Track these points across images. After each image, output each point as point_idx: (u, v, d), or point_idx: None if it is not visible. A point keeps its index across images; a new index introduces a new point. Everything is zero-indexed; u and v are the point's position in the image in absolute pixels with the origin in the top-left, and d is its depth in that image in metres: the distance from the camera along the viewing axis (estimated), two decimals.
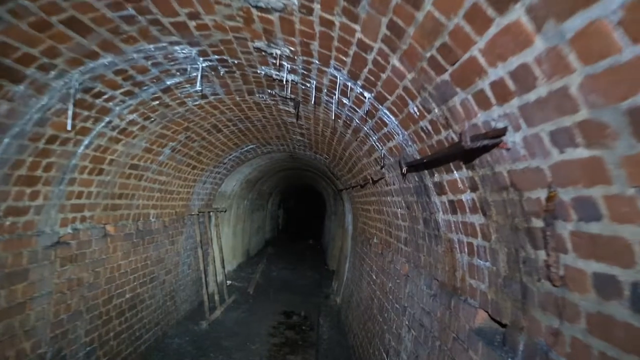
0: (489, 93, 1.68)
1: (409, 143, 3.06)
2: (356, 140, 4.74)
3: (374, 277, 6.05)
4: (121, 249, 5.35)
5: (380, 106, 3.11)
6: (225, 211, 10.65)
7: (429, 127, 2.54)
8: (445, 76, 1.95)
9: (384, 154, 3.98)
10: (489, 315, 2.31)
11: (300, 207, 30.81)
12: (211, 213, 9.60)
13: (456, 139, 2.27)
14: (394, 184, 4.23)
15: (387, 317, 4.79)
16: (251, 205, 14.96)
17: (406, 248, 4.29)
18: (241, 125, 6.48)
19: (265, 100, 5.04)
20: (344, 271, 10.24)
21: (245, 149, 8.54)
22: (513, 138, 1.66)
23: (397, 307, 4.42)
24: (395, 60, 2.30)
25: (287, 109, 5.28)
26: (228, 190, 10.81)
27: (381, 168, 4.28)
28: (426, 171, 3.01)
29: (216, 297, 8.68)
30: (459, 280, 2.81)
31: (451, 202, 2.73)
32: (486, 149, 1.84)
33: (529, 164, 1.63)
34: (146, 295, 6.21)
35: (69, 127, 3.16)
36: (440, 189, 2.87)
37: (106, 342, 5.06)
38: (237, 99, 4.98)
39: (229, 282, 11.25)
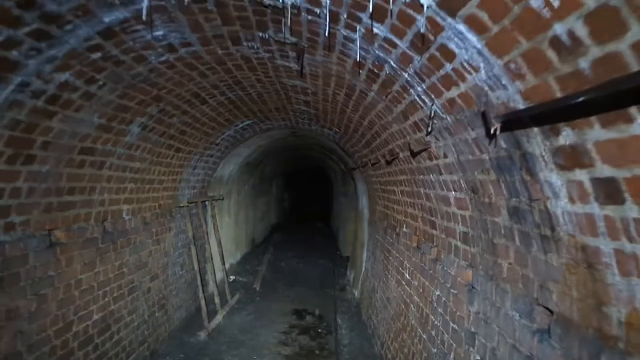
0: None
1: (503, 82, 1.75)
2: (385, 98, 3.43)
3: (407, 277, 4.81)
4: (80, 259, 4.10)
5: (448, 19, 1.79)
6: (223, 199, 9.40)
7: (582, 32, 1.24)
8: None
9: (433, 112, 2.67)
10: None
11: (307, 189, 29.57)
12: (206, 202, 8.36)
13: None
14: (445, 157, 2.94)
15: (437, 336, 3.55)
16: (254, 190, 13.72)
17: (466, 247, 3.01)
18: (231, 94, 5.16)
19: (257, 53, 3.71)
20: (361, 261, 9.03)
21: (240, 125, 7.24)
22: None
23: (454, 327, 3.17)
24: None
25: (286, 64, 3.95)
26: (225, 175, 9.55)
27: (427, 134, 2.98)
28: (536, 129, 1.71)
29: (216, 299, 7.50)
30: (615, 324, 1.54)
31: (606, 181, 1.44)
32: None
33: None
34: (124, 311, 5.00)
35: None
36: (570, 160, 1.57)
37: None
38: (219, 52, 3.65)
39: (232, 277, 10.09)
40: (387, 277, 6.06)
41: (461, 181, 2.83)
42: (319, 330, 7.28)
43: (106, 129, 3.90)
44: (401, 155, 4.24)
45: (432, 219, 3.82)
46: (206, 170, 7.88)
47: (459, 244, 3.17)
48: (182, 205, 6.75)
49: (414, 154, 3.50)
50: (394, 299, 5.41)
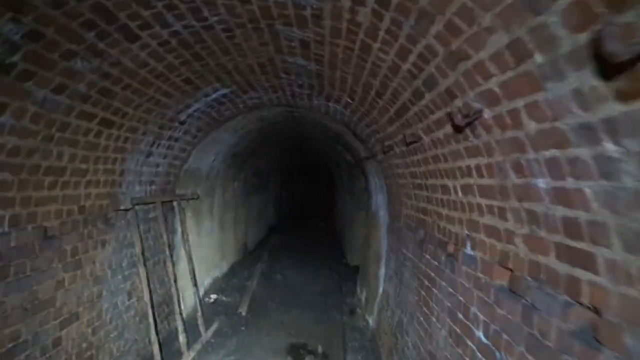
0: None
1: None
2: None
3: (483, 339, 2.70)
4: None
5: None
6: (198, 198, 7.29)
7: None
8: None
9: None
10: None
11: (308, 185, 27.46)
12: (174, 203, 6.27)
13: None
14: None
15: None
16: (245, 187, 11.64)
17: None
18: (179, 24, 3.08)
19: None
20: (376, 278, 6.94)
21: (213, 96, 5.16)
22: None
23: None
24: None
25: None
26: (203, 168, 7.48)
27: None
28: None
29: (181, 337, 5.41)
30: None
31: None
32: None
33: None
34: None
35: None
36: None
37: None
38: None
39: (213, 297, 8.01)
40: (427, 318, 3.97)
41: None
42: None
43: None
44: (487, 114, 2.16)
45: (580, 246, 1.72)
46: (170, 159, 5.79)
47: None
48: (124, 208, 4.66)
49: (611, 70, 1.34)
50: None
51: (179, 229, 6.42)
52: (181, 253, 6.48)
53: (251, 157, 10.92)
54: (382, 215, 6.89)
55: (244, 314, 7.28)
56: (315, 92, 5.28)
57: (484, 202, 2.67)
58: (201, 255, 7.74)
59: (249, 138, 8.75)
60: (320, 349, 6.11)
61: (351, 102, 4.87)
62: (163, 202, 5.69)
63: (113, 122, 3.89)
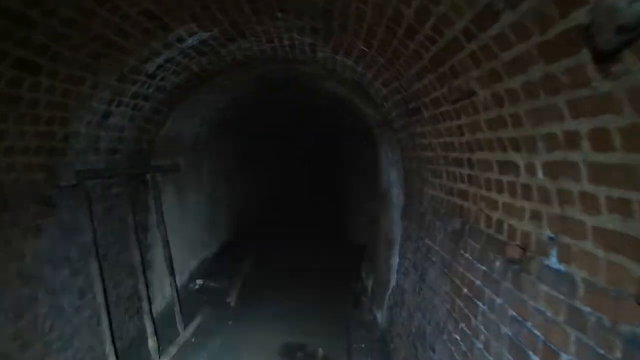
0: None
1: None
2: None
3: None
4: None
5: None
6: (179, 170, 6.19)
7: None
8: None
9: None
10: None
11: (308, 156, 26.36)
12: (147, 176, 5.19)
13: None
14: None
15: None
16: (240, 158, 10.57)
17: None
18: None
19: None
20: (387, 266, 5.93)
21: (190, 42, 4.01)
22: None
23: None
24: None
25: None
26: (187, 134, 6.38)
27: None
28: None
29: (150, 342, 4.41)
30: None
31: None
32: None
33: None
34: None
35: None
36: None
37: None
38: None
39: (198, 282, 7.04)
40: (467, 339, 2.95)
41: None
42: None
43: None
44: None
45: None
46: (140, 122, 4.69)
47: None
48: (70, 183, 3.58)
49: None
50: None
51: (153, 208, 5.36)
52: (157, 236, 5.44)
53: (245, 124, 9.80)
54: (396, 195, 5.83)
55: (232, 304, 6.32)
56: (321, 41, 4.16)
57: (602, 191, 1.58)
58: (185, 235, 6.73)
59: (241, 102, 7.61)
60: (320, 352, 5.16)
61: (366, 51, 3.74)
62: (131, 176, 4.61)
63: (39, 66, 2.78)
